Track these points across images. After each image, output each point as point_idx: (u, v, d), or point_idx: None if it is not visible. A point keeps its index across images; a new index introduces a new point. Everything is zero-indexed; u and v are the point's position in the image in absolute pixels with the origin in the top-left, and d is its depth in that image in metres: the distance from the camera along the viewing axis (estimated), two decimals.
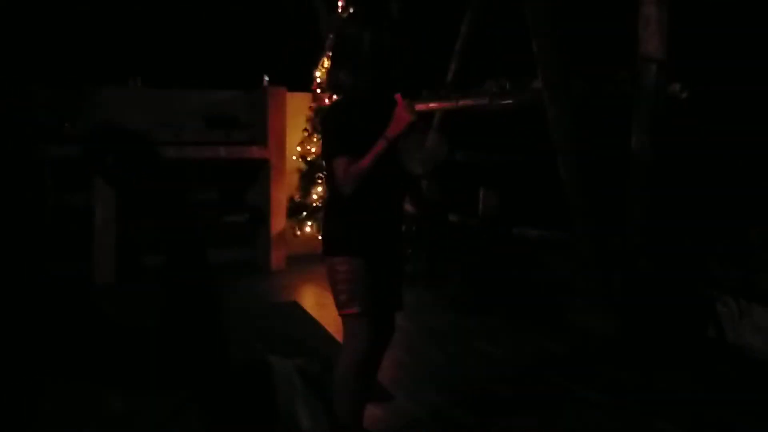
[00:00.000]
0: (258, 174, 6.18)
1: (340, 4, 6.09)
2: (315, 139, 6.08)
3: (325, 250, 2.49)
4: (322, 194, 5.94)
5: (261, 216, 6.09)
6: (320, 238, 2.65)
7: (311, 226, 6.09)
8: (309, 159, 6.15)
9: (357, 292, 2.38)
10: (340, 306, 2.43)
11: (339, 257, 2.42)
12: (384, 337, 2.58)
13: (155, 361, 1.33)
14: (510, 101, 5.00)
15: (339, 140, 2.35)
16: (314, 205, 6.06)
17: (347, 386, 2.38)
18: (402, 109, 2.28)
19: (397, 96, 2.30)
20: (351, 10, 6.02)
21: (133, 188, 1.38)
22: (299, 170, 6.25)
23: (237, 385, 1.35)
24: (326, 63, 6.06)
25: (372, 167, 2.29)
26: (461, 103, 5.47)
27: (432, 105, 5.81)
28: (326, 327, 4.27)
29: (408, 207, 2.72)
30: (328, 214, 2.58)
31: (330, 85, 2.65)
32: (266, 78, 6.16)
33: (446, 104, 5.68)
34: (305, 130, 6.23)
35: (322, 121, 2.62)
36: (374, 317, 2.40)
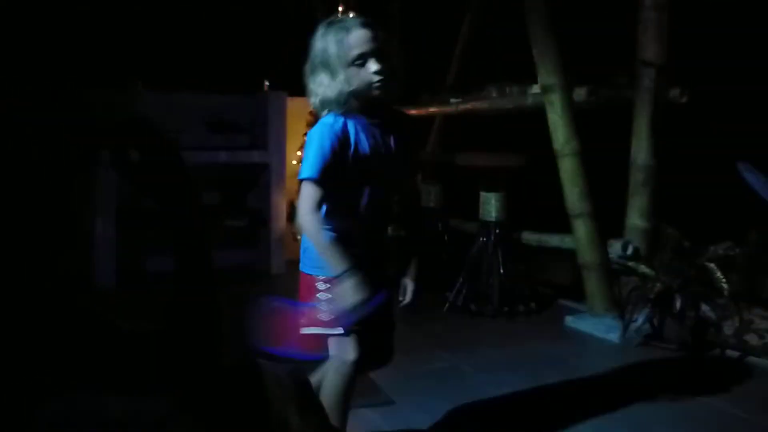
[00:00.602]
0: (258, 178, 6.19)
1: (340, 8, 6.10)
2: None
3: (303, 264, 2.30)
4: None
5: (261, 220, 6.10)
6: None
7: None
8: None
9: (339, 313, 2.18)
10: (321, 326, 2.25)
11: (318, 276, 2.25)
12: (381, 359, 2.47)
13: (155, 365, 1.34)
14: (510, 105, 5.01)
15: (317, 159, 2.11)
16: None
17: (335, 403, 2.25)
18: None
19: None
20: (350, 14, 6.03)
21: (149, 185, 1.38)
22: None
23: (228, 389, 1.35)
24: None
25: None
26: (461, 107, 5.49)
27: (432, 109, 5.82)
28: None
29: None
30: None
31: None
32: (267, 82, 6.17)
33: (446, 108, 5.69)
34: (305, 134, 6.23)
35: (310, 136, 2.24)
36: (359, 333, 2.23)
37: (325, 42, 2.13)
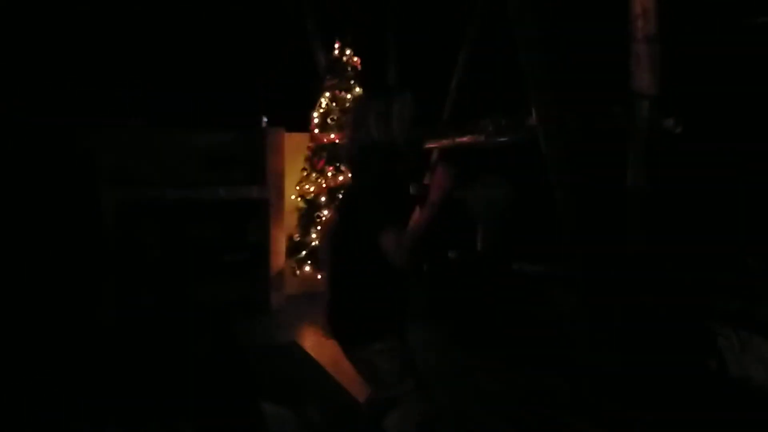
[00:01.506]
0: (257, 213, 6.21)
1: (336, 45, 6.18)
2: (313, 178, 6.12)
3: (359, 337, 2.34)
4: (320, 234, 5.95)
5: (260, 255, 6.10)
6: (342, 325, 2.42)
7: (310, 266, 6.10)
8: (307, 198, 6.18)
9: (407, 367, 2.33)
10: (394, 388, 2.33)
11: (379, 342, 2.31)
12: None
13: (156, 400, 1.34)
14: (506, 138, 5.04)
15: (387, 211, 2.26)
16: (313, 244, 6.07)
17: None
18: (442, 175, 2.29)
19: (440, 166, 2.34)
20: (347, 51, 6.11)
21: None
22: (298, 209, 6.27)
23: (231, 430, 1.35)
24: (323, 103, 6.14)
25: (421, 235, 2.25)
26: (458, 140, 5.52)
27: (429, 143, 5.86)
28: (325, 367, 4.25)
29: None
30: (360, 295, 2.35)
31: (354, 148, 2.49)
32: (265, 119, 6.22)
33: (443, 142, 5.73)
34: (303, 169, 6.27)
35: (362, 196, 2.37)
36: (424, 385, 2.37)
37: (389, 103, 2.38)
